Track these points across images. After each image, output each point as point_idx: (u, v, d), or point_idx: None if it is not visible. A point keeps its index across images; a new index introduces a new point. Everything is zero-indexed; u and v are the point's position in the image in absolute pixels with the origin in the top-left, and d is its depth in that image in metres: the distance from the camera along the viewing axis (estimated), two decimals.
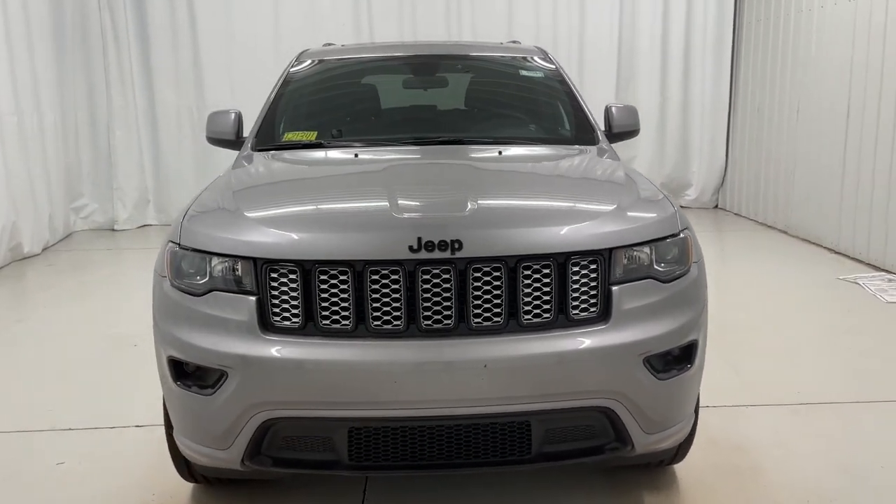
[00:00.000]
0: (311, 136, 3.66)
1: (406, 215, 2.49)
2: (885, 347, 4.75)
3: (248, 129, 3.80)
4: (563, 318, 2.42)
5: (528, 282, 2.39)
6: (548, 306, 2.41)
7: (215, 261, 2.48)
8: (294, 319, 2.39)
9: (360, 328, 2.37)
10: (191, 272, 2.54)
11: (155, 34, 9.18)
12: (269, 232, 2.47)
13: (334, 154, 3.55)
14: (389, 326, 2.37)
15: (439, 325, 2.36)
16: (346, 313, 2.37)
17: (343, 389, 2.34)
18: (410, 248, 2.36)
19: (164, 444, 2.87)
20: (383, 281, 2.37)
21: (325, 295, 2.38)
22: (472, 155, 3.45)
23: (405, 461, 2.45)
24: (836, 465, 3.25)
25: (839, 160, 7.15)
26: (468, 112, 4.01)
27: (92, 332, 5.31)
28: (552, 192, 2.99)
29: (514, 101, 4.05)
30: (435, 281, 2.36)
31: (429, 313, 2.36)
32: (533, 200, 2.82)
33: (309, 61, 4.19)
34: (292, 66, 4.12)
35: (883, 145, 6.50)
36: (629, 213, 2.61)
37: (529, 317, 2.40)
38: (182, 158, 9.46)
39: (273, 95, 3.92)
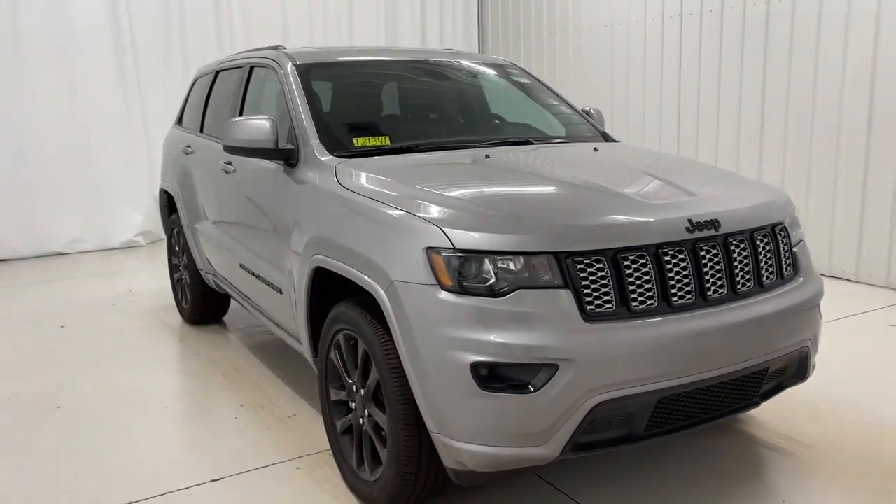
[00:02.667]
0: (384, 140, 3.55)
1: (662, 201, 2.78)
2: None
3: None
4: (779, 279, 2.93)
5: (760, 249, 2.86)
6: (771, 268, 2.90)
7: (507, 259, 2.47)
8: (607, 306, 2.51)
9: (662, 305, 2.60)
10: (475, 274, 2.48)
11: None
12: (566, 227, 2.54)
13: (467, 155, 3.52)
14: (683, 301, 2.63)
15: (716, 295, 2.70)
16: (651, 293, 2.57)
17: (665, 363, 2.53)
18: (687, 228, 2.66)
19: (276, 482, 2.90)
20: (674, 260, 2.63)
21: (631, 279, 2.55)
22: (580, 151, 3.74)
23: (685, 421, 2.73)
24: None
25: None
26: (502, 115, 4.20)
27: None
28: (723, 178, 3.42)
29: (536, 106, 4.34)
30: (709, 255, 2.70)
31: (709, 284, 2.69)
32: (727, 183, 3.25)
33: (309, 63, 3.94)
34: (298, 70, 3.85)
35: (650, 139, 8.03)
36: (778, 192, 3.22)
37: (765, 278, 2.86)
38: None
39: (303, 101, 3.65)
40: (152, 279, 7.17)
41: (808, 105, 6.48)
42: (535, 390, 2.43)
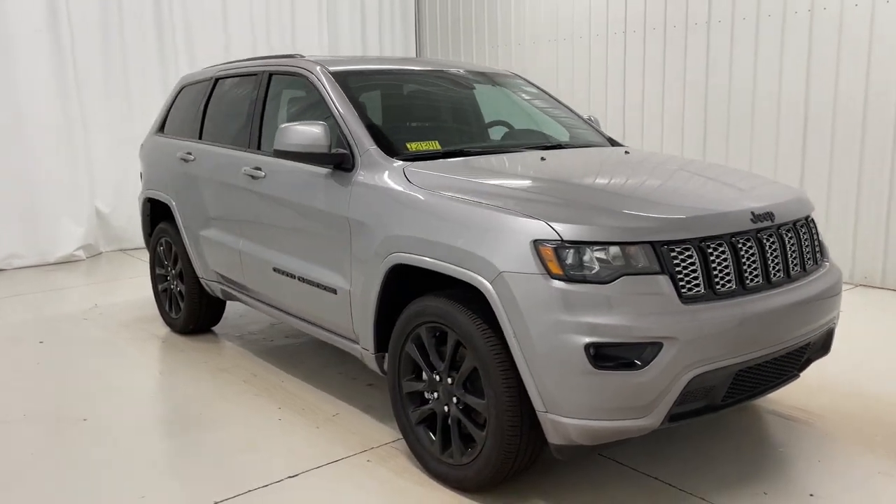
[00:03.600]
0: (434, 145, 3.72)
1: (727, 196, 3.12)
2: None
3: None
4: (814, 264, 3.33)
5: (802, 237, 3.25)
6: (809, 255, 3.29)
7: (610, 248, 2.73)
8: (697, 289, 2.81)
9: (738, 288, 2.91)
10: (581, 263, 2.72)
11: None
12: (660, 219, 2.83)
13: (524, 157, 3.74)
14: (753, 284, 2.96)
15: (776, 278, 3.05)
16: (729, 277, 2.89)
17: (745, 338, 2.84)
18: (751, 220, 3.01)
19: (355, 474, 3.07)
20: (744, 247, 2.96)
21: (714, 264, 2.86)
22: (616, 155, 4.02)
23: (751, 392, 3.05)
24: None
25: None
26: (528, 122, 4.46)
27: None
28: (752, 177, 3.78)
29: (549, 114, 4.60)
30: (768, 243, 3.05)
31: (771, 268, 3.04)
32: (761, 182, 3.61)
33: (343, 71, 4.07)
34: (337, 78, 3.97)
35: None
36: (800, 190, 3.63)
37: (807, 263, 3.25)
38: None
39: (348, 108, 3.78)
40: (110, 293, 6.95)
41: (747, 115, 7.10)
42: (643, 366, 2.68)
